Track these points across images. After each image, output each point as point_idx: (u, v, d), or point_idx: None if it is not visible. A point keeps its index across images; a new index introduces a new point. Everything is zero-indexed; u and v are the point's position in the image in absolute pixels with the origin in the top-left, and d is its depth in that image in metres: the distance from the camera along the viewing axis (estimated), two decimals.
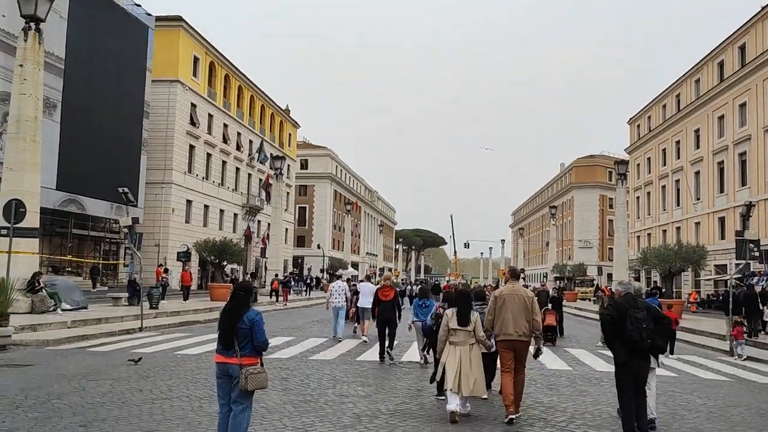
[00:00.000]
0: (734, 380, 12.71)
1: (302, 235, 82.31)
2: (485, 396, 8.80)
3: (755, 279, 21.37)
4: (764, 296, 21.40)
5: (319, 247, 76.76)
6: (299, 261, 76.87)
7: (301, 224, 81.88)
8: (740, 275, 22.75)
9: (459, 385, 7.89)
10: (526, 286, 17.03)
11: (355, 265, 74.32)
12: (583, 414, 8.74)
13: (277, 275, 38.88)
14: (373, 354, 14.35)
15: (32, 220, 17.82)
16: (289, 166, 70.26)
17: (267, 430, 7.25)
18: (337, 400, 9.08)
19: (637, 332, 6.81)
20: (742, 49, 43.06)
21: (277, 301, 34.22)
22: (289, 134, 74.35)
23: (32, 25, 19.10)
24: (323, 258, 71.33)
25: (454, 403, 7.91)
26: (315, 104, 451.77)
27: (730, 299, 18.30)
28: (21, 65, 19.13)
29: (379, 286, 15.17)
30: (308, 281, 52.43)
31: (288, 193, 70.34)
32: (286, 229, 68.77)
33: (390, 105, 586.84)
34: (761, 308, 20.84)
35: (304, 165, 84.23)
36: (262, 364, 6.10)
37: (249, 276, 50.62)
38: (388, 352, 13.44)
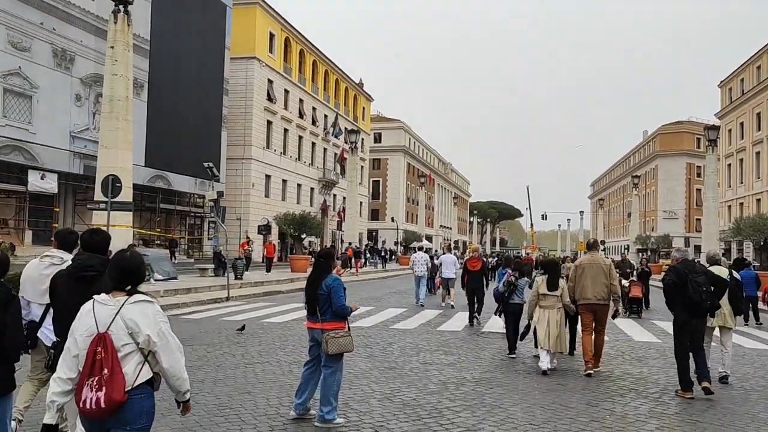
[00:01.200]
0: None
1: (376, 208, 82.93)
2: (568, 353, 10.06)
3: None
4: None
5: (393, 220, 77.17)
6: (374, 234, 77.60)
7: (375, 197, 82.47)
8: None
9: (549, 343, 8.88)
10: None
11: (429, 238, 74.20)
12: (676, 386, 8.46)
13: (350, 243, 39.39)
14: (453, 324, 14.43)
15: (126, 194, 18.68)
16: (363, 139, 70.66)
17: (356, 393, 7.43)
18: (421, 367, 9.17)
19: (697, 294, 7.51)
20: None
21: (350, 267, 34.70)
22: (363, 108, 74.64)
23: (121, 7, 19.85)
24: (397, 231, 71.72)
25: (546, 360, 8.92)
26: (389, 75, 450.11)
27: None
28: (112, 47, 19.95)
29: (468, 257, 16.29)
30: (383, 253, 52.94)
31: (362, 166, 70.86)
32: (361, 203, 69.45)
33: (465, 73, 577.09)
34: None
35: (377, 138, 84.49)
36: (348, 329, 6.23)
37: (328, 246, 51.69)
38: (476, 317, 14.42)
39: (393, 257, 60.60)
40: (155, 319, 3.29)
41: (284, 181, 52.52)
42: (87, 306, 3.34)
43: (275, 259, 35.49)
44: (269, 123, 49.73)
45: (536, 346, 9.64)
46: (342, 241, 45.43)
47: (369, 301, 19.60)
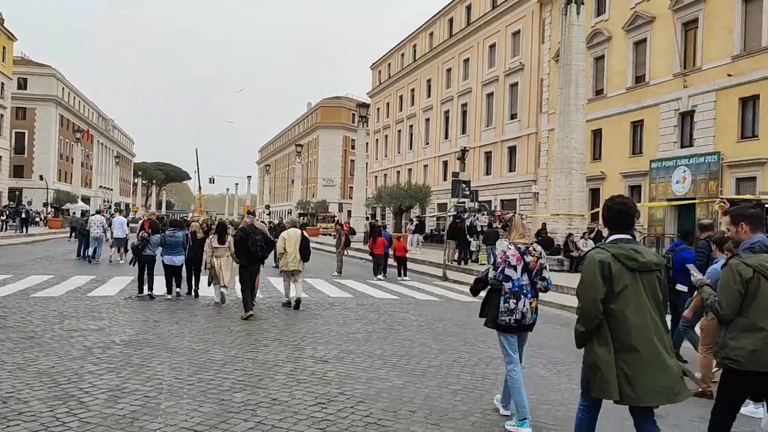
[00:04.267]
0: (443, 300, 14.80)
1: (21, 164, 72.75)
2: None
3: (465, 215, 24.74)
4: (472, 229, 24.86)
5: (42, 178, 68.68)
6: (17, 193, 68.10)
7: (19, 152, 72.15)
8: (456, 211, 26.04)
9: (224, 280, 12.18)
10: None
11: (86, 200, 67.93)
12: (314, 333, 9.58)
13: None
14: (106, 289, 13.78)
15: None
16: (2, 83, 60.99)
17: None
18: (64, 334, 8.65)
19: (253, 246, 11.14)
20: (469, 8, 47.83)
21: None
22: (3, 47, 64.13)
23: None
24: (47, 191, 64.14)
25: (221, 293, 12.28)
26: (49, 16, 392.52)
27: (445, 231, 21.04)
28: None
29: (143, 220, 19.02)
30: (24, 216, 45.54)
31: (1, 115, 61.25)
32: (0, 157, 60.25)
33: (134, 29, 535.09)
34: (469, 239, 24.21)
35: (22, 84, 73.69)
36: None
37: None
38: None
39: (41, 220, 54.09)
40: None
41: None
42: None
43: None
44: None
45: (209, 285, 12.55)
46: None
47: (6, 269, 17.40)
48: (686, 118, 26.73)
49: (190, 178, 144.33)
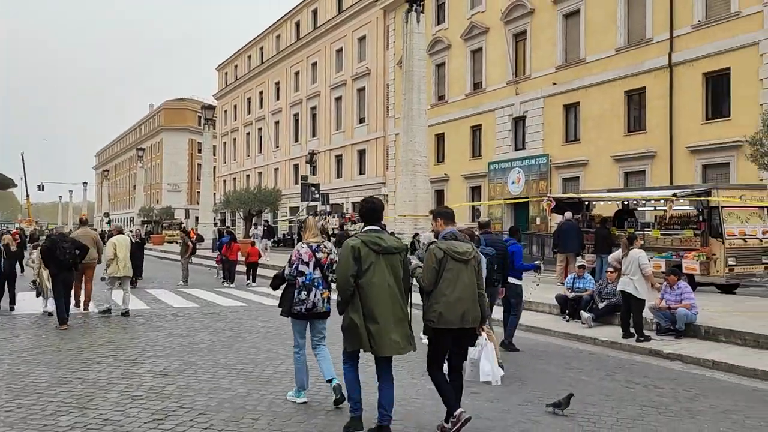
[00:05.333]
0: None
1: None
2: None
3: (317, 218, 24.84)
4: (323, 231, 25.01)
5: None
6: None
7: None
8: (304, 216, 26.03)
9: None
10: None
11: None
12: (154, 346, 9.09)
13: None
14: None
15: None
16: None
17: None
18: None
19: (62, 255, 10.89)
20: (315, 12, 48.00)
21: None
22: None
23: None
24: None
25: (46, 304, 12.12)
26: None
27: (297, 234, 20.92)
28: None
29: None
30: None
31: None
32: None
33: None
34: None
35: None
36: None
37: None
38: None
39: None
40: None
41: None
42: None
43: None
44: None
45: (37, 296, 12.65)
46: None
47: None
48: (519, 122, 28.77)
49: (16, 186, 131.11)
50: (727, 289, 13.97)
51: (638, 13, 23.50)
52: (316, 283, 6.03)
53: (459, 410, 5.16)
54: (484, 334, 5.87)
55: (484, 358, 6.01)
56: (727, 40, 20.27)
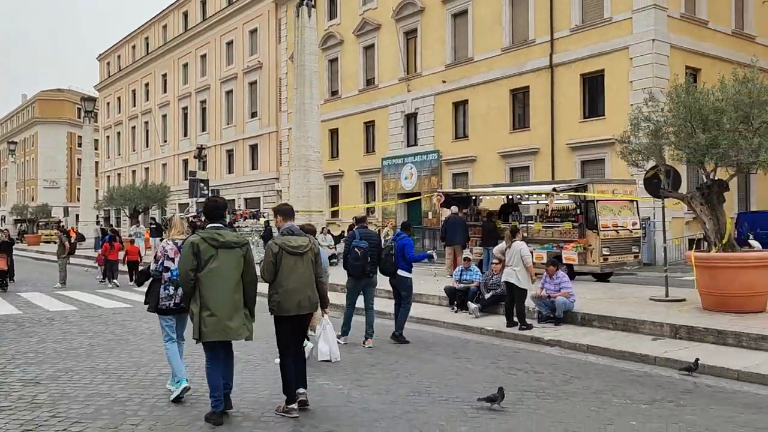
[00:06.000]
0: None
1: None
2: None
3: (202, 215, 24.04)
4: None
5: None
6: None
7: None
8: (196, 212, 25.14)
9: None
10: None
11: None
12: (26, 353, 8.48)
13: None
14: None
15: None
16: None
17: None
18: None
19: None
20: (204, 3, 46.44)
21: None
22: None
23: None
24: None
25: None
26: None
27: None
28: None
29: None
30: None
31: None
32: None
33: None
34: None
35: None
36: None
37: None
38: None
39: None
40: None
41: None
42: None
43: None
44: None
45: None
46: None
47: None
48: (411, 119, 29.29)
49: None
50: (602, 277, 14.92)
51: (522, 14, 24.56)
52: None
53: (301, 390, 5.77)
54: (326, 317, 6.73)
55: (323, 340, 6.96)
56: (601, 43, 21.63)
